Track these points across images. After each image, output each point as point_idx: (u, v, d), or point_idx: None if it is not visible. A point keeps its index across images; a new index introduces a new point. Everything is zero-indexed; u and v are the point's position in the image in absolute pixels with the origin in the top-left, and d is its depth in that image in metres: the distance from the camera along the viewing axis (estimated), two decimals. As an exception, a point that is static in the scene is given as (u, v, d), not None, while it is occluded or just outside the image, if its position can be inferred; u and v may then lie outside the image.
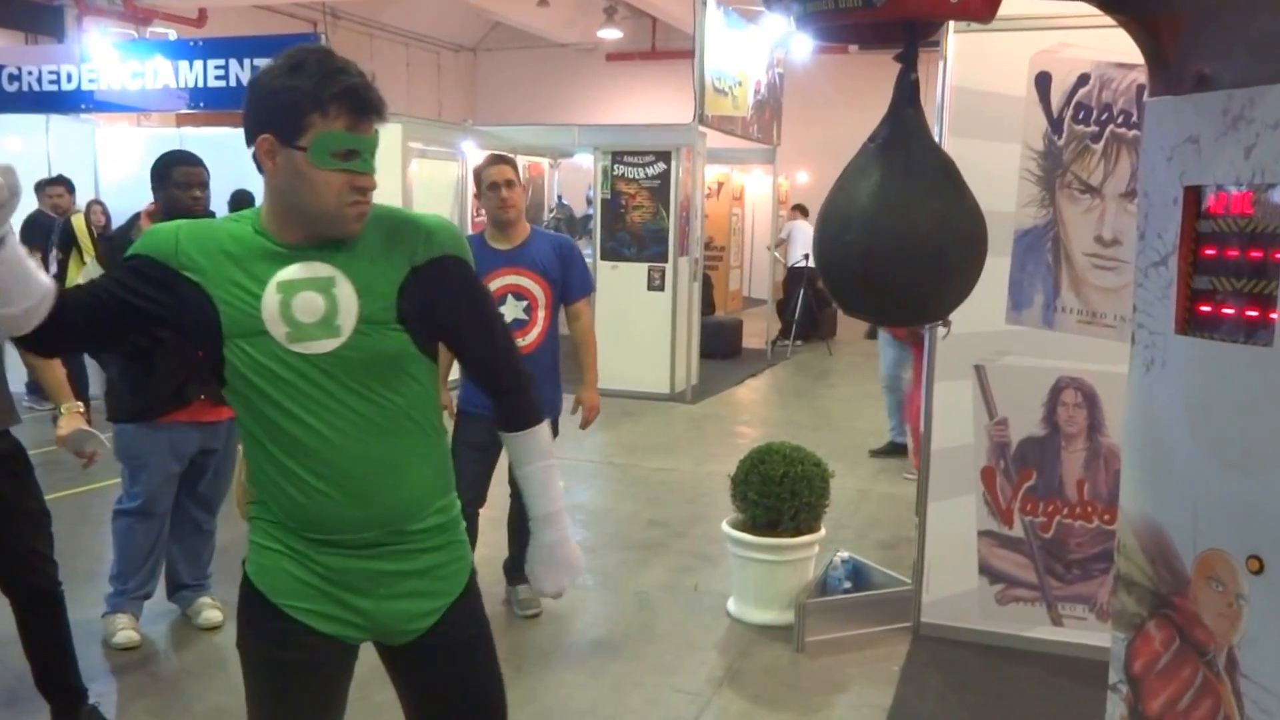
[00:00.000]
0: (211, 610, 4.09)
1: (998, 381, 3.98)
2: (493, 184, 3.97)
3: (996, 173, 3.87)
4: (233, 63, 8.25)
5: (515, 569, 4.18)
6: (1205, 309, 1.92)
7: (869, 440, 7.16)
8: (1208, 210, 1.90)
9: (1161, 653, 2.03)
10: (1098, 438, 3.98)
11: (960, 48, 3.90)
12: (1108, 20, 3.74)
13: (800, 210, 13.02)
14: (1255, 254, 1.81)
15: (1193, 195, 1.92)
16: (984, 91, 3.89)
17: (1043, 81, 3.85)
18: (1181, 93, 1.93)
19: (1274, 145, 1.75)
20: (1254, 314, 1.81)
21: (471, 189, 9.63)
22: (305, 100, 1.68)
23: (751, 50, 10.47)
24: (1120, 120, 3.82)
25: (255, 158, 1.74)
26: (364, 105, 1.73)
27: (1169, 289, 1.96)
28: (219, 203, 5.23)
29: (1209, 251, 1.91)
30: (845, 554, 4.25)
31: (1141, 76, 3.82)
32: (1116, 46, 3.76)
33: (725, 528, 4.12)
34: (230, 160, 7.81)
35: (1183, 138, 1.92)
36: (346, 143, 1.71)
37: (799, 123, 14.37)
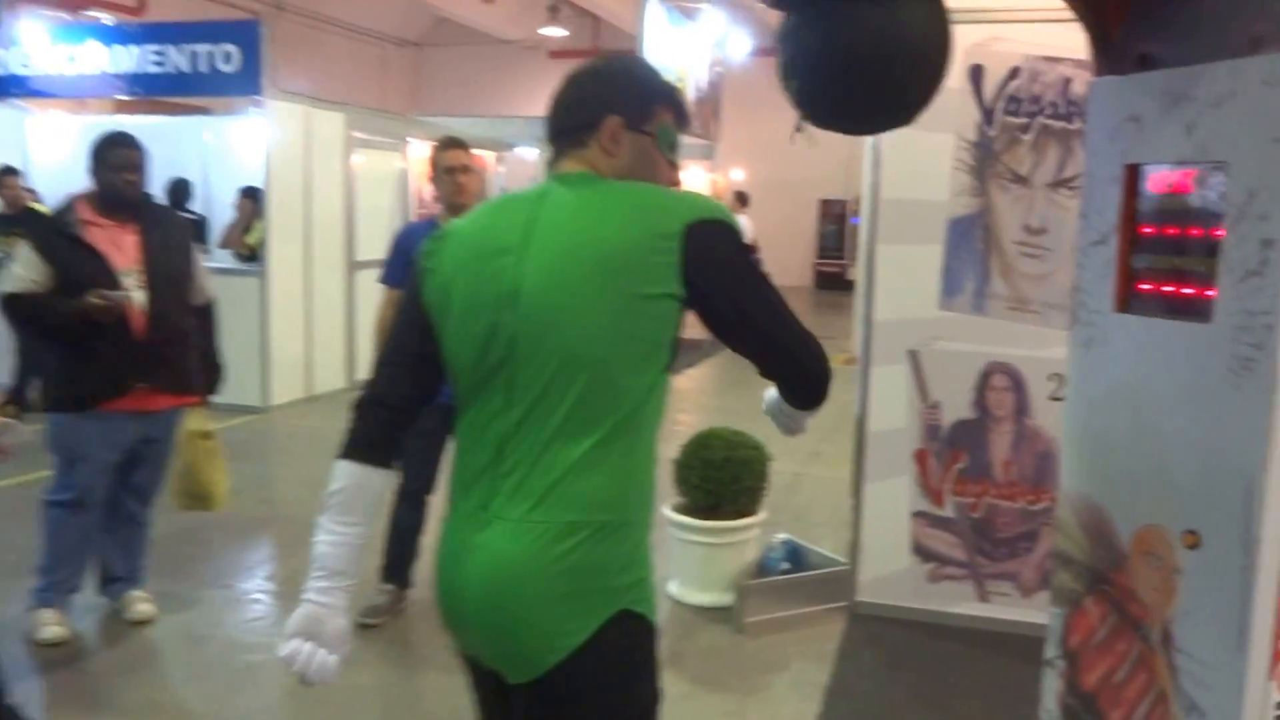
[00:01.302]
0: (144, 604, 3.85)
1: (931, 366, 3.95)
2: (449, 168, 3.84)
3: (931, 162, 3.84)
4: (171, 49, 7.89)
5: (392, 570, 3.99)
6: (1144, 287, 1.87)
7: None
8: (1148, 189, 1.85)
9: (1098, 627, 1.98)
10: (1024, 420, 3.96)
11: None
12: (1038, 14, 3.77)
13: (741, 199, 12.96)
14: (1195, 232, 1.77)
15: (1132, 174, 1.88)
16: None
17: (976, 74, 3.82)
18: (1124, 73, 1.89)
19: (1215, 124, 1.70)
20: (1192, 291, 1.77)
21: (413, 181, 9.53)
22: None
23: (692, 48, 10.39)
24: (1049, 112, 3.80)
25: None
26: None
27: (1108, 267, 1.92)
28: (155, 190, 5.00)
29: (1148, 230, 1.86)
30: (783, 536, 4.20)
31: (1069, 70, 3.82)
32: (1046, 40, 3.76)
33: (666, 511, 4.04)
34: (169, 149, 7.57)
35: (1124, 117, 1.87)
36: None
37: (736, 123, 14.35)
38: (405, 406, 1.67)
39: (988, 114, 3.83)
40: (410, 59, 19.95)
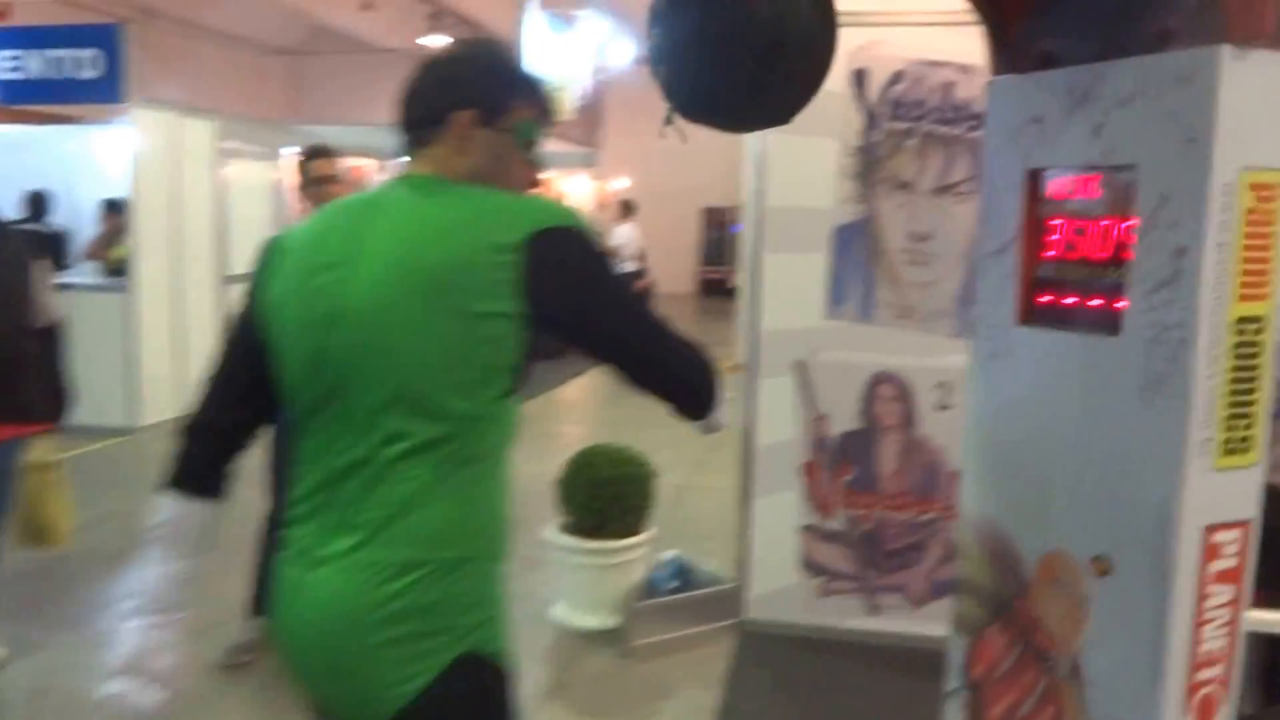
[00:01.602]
0: (-9, 647, 3.49)
1: (819, 377, 3.82)
2: (316, 178, 3.58)
3: (816, 169, 3.72)
4: (30, 55, 7.35)
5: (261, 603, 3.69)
6: (1048, 299, 1.74)
7: (691, 435, 6.97)
8: (1051, 194, 1.72)
9: (1003, 658, 1.84)
10: (911, 430, 3.87)
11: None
12: (920, 18, 3.69)
13: (626, 208, 12.80)
14: (1102, 240, 1.64)
15: (1035, 178, 1.74)
16: None
17: (859, 78, 3.71)
18: (1024, 71, 1.75)
19: (1123, 125, 1.58)
20: (1100, 303, 1.64)
21: (290, 192, 9.10)
22: None
23: (574, 55, 10.21)
24: (933, 117, 3.71)
25: None
26: None
27: (1009, 278, 1.78)
28: (13, 201, 4.54)
29: (1052, 238, 1.73)
30: (671, 553, 4.02)
31: (952, 74, 3.74)
32: (930, 44, 3.67)
33: (550, 534, 3.82)
34: (31, 160, 7.06)
35: (1026, 118, 1.74)
36: None
37: (621, 131, 14.21)
38: (236, 432, 1.52)
39: (871, 119, 3.72)
40: (288, 67, 19.27)
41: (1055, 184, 1.71)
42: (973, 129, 3.68)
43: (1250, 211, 1.49)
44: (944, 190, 3.74)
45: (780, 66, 1.65)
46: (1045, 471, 1.72)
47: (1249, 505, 1.58)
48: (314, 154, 3.62)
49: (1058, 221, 1.70)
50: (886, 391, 3.86)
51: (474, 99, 1.46)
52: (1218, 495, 1.54)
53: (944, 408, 3.81)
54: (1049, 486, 1.71)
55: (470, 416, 1.37)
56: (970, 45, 3.60)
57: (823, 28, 1.70)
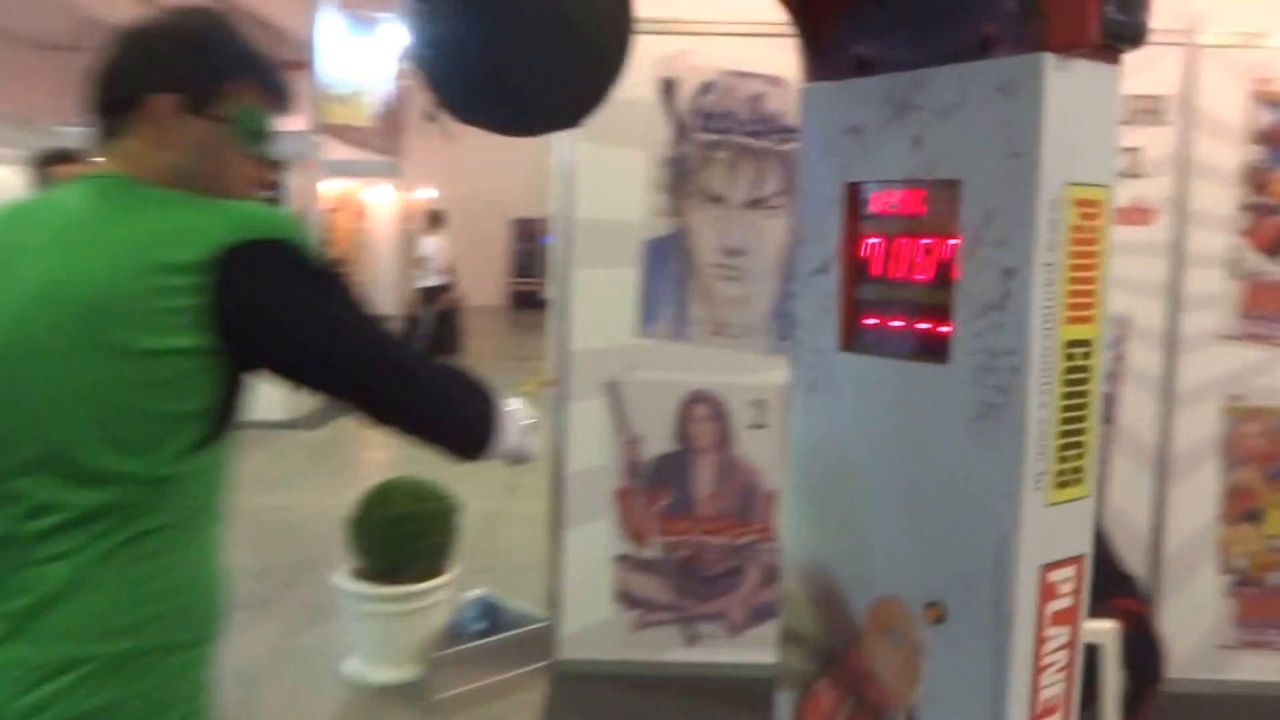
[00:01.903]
0: None
1: (631, 398, 3.69)
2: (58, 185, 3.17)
3: (627, 181, 3.60)
4: None
5: None
6: (871, 322, 1.63)
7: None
8: (872, 209, 1.62)
9: (833, 714, 1.72)
10: (727, 451, 3.79)
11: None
12: (731, 28, 3.63)
13: (435, 220, 12.42)
14: (926, 259, 1.54)
15: (854, 193, 1.63)
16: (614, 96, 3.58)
17: (668, 88, 3.60)
18: (840, 77, 1.64)
19: (945, 136, 1.48)
20: (926, 327, 1.54)
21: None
22: None
23: (374, 59, 9.82)
24: (743, 129, 3.65)
25: None
26: None
27: (830, 300, 1.67)
28: None
29: (874, 257, 1.62)
30: (477, 592, 3.79)
31: (761, 86, 3.69)
32: (738, 55, 3.61)
33: (339, 580, 3.53)
34: None
35: (843, 128, 1.63)
36: None
37: (426, 140, 13.82)
38: None
39: (681, 130, 3.62)
40: (58, 64, 17.93)
41: (876, 199, 1.60)
42: (783, 141, 3.64)
43: (1076, 229, 1.42)
44: (755, 204, 3.68)
45: (568, 62, 1.44)
46: (873, 511, 1.60)
47: (1083, 540, 1.51)
48: (54, 158, 3.24)
49: (880, 239, 1.60)
50: (701, 411, 3.77)
51: (177, 80, 1.23)
52: (1053, 531, 1.46)
53: (759, 426, 3.75)
54: (877, 527, 1.60)
55: (145, 479, 1.13)
56: (779, 57, 3.59)
57: (617, 16, 1.51)
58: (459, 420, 1.31)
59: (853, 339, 1.64)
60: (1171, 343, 3.53)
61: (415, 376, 1.26)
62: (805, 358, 1.71)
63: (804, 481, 1.75)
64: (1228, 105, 3.48)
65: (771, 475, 3.71)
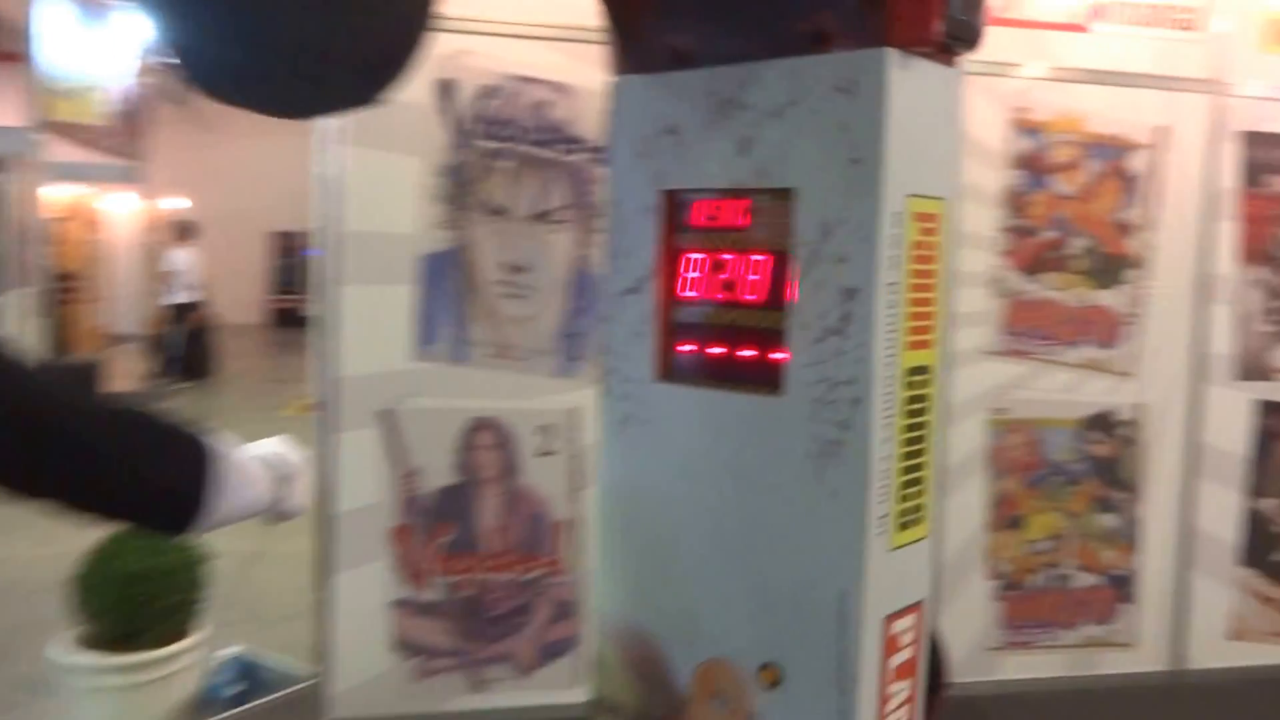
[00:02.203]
0: None
1: (408, 427, 3.41)
2: None
3: (400, 190, 3.33)
4: None
5: None
6: (691, 348, 1.47)
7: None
8: (693, 221, 1.45)
9: (654, 791, 1.54)
10: (512, 481, 3.58)
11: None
12: (514, 29, 3.42)
13: (184, 232, 11.57)
14: (756, 278, 1.39)
15: (672, 202, 1.47)
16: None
17: (446, 90, 3.36)
18: (654, 70, 1.47)
19: (776, 139, 1.33)
20: (754, 354, 1.39)
21: None
22: None
23: (108, 52, 9.01)
24: (526, 138, 3.45)
25: None
26: None
27: (645, 323, 1.49)
28: None
29: (693, 275, 1.46)
30: (233, 649, 3.41)
31: (545, 93, 3.52)
32: (523, 58, 3.42)
33: (60, 651, 3.07)
34: None
35: (659, 128, 1.46)
36: None
37: (178, 145, 12.91)
38: None
39: (461, 136, 3.39)
40: None
41: (698, 209, 1.44)
42: (569, 152, 3.48)
43: (916, 245, 1.30)
44: (541, 217, 3.49)
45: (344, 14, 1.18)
46: (698, 563, 1.44)
47: (923, 584, 1.40)
48: None
49: (702, 255, 1.44)
50: (485, 439, 3.54)
51: None
52: (897, 578, 1.33)
53: (547, 453, 3.56)
54: (704, 581, 1.43)
55: None
56: (566, 62, 3.43)
57: None
58: (153, 490, 1.04)
59: (671, 368, 1.47)
60: (944, 359, 3.59)
61: (82, 441, 0.98)
62: (617, 389, 1.53)
63: (618, 531, 1.56)
64: (990, 131, 3.58)
65: (560, 504, 3.53)
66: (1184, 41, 3.56)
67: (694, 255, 1.45)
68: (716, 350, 1.42)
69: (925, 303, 1.32)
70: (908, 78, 1.26)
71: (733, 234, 1.40)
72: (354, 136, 3.27)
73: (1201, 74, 3.56)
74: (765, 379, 1.36)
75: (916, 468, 1.34)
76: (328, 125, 3.29)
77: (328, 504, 3.37)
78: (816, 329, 1.30)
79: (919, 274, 1.30)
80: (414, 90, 3.28)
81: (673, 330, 1.47)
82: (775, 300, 1.35)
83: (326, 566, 3.38)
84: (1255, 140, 3.60)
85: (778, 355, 1.35)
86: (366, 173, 3.29)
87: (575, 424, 3.55)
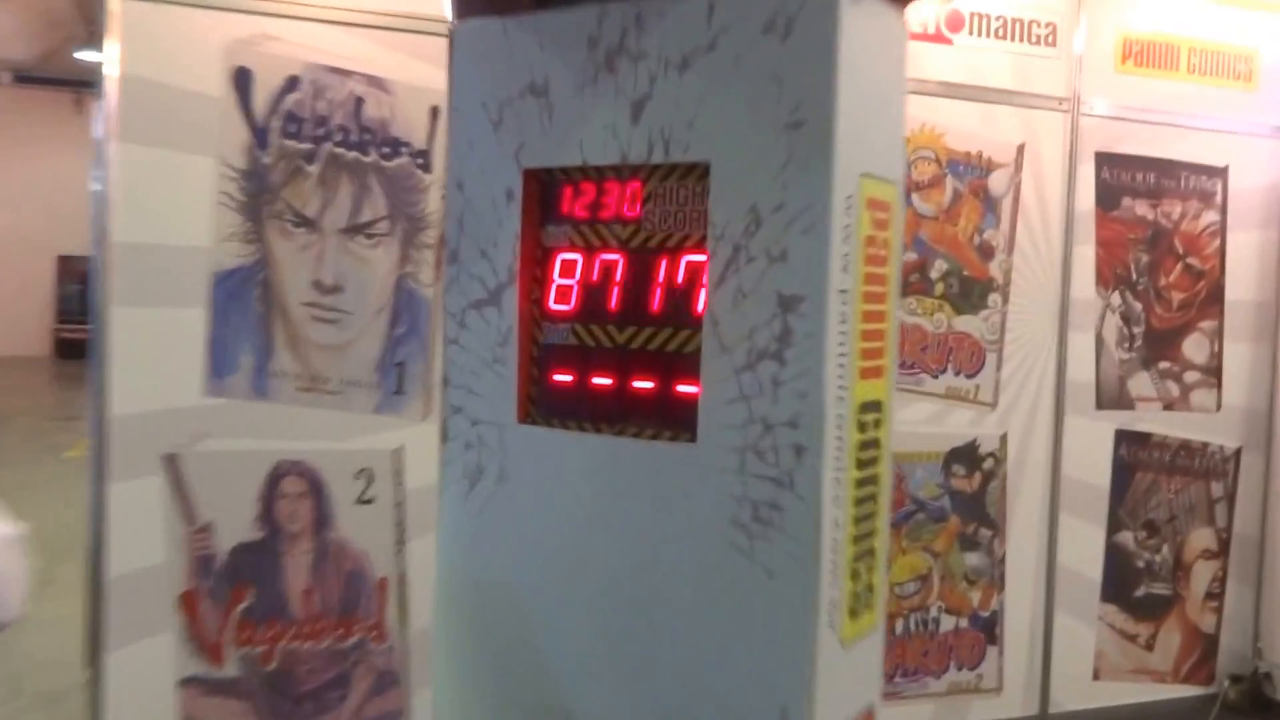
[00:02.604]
0: None
1: (198, 475, 2.93)
2: None
3: (188, 196, 2.86)
4: None
5: None
6: (564, 379, 1.11)
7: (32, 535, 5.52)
8: (567, 211, 1.10)
9: None
10: (325, 534, 3.15)
11: (133, 21, 2.79)
12: (322, 12, 3.02)
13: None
14: (654, 284, 1.05)
15: (537, 185, 1.11)
16: (168, 85, 2.83)
17: (242, 80, 2.92)
18: (510, 11, 1.12)
19: (683, 98, 1.00)
20: (649, 386, 1.05)
21: None
22: None
23: None
24: (338, 138, 3.04)
25: None
26: None
27: (502, 348, 1.13)
28: None
29: (567, 282, 1.11)
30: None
31: (359, 87, 3.11)
32: (333, 46, 3.00)
33: None
34: None
35: (519, 87, 1.10)
36: None
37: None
38: None
39: (261, 135, 2.94)
40: None
41: (573, 194, 1.09)
42: (388, 155, 3.09)
43: (869, 242, 0.98)
44: (355, 230, 3.08)
45: None
46: (580, 674, 1.07)
47: (875, 682, 1.08)
48: None
49: (578, 255, 1.08)
50: (292, 486, 3.10)
51: None
52: (848, 681, 1.01)
53: (366, 501, 3.16)
54: (587, 699, 1.07)
55: None
56: (384, 54, 3.04)
57: None
58: None
59: (539, 406, 1.11)
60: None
61: None
62: (463, 435, 1.15)
63: (465, 630, 1.18)
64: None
65: (382, 560, 3.12)
66: (1043, 58, 3.45)
67: (568, 255, 1.09)
68: (601, 381, 1.07)
69: (878, 317, 1.00)
70: (859, 17, 0.95)
71: (621, 226, 1.06)
72: (129, 132, 2.79)
73: (1061, 92, 3.45)
74: (671, 420, 1.01)
75: (869, 534, 1.02)
76: (101, 114, 2.80)
77: (100, 568, 2.85)
78: (742, 352, 0.96)
79: (872, 279, 0.99)
80: (204, 79, 2.83)
81: (541, 356, 1.11)
82: (681, 314, 1.01)
83: (98, 644, 2.85)
84: (1112, 161, 3.52)
85: (687, 388, 1.01)
86: (145, 175, 2.81)
87: (398, 467, 3.16)
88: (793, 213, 0.93)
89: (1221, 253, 3.82)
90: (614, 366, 1.06)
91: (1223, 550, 3.91)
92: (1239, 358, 3.89)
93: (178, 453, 2.90)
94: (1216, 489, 3.87)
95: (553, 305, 1.10)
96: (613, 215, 1.06)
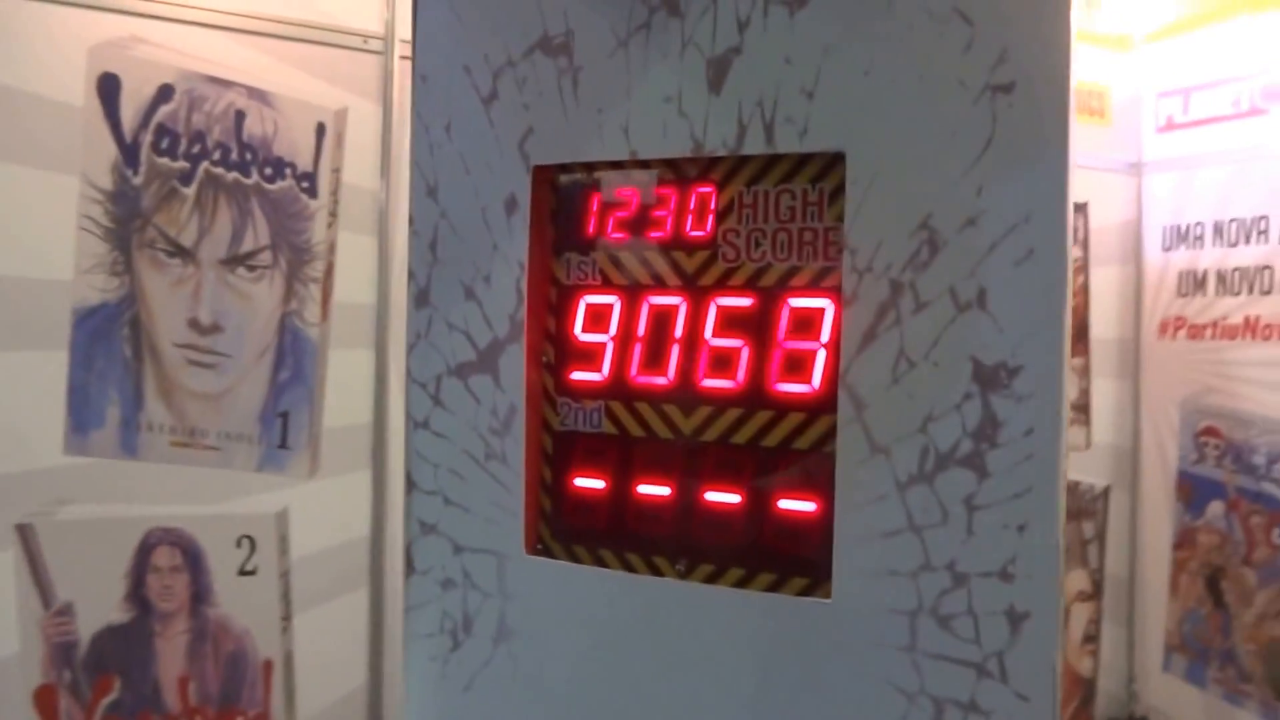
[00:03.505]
0: None
1: (55, 548, 2.56)
2: None
3: (46, 220, 2.46)
4: None
5: None
6: (598, 486, 0.72)
7: None
8: (595, 232, 0.71)
9: None
10: (204, 611, 2.75)
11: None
12: (201, 15, 2.61)
13: None
14: (737, 344, 0.66)
15: (553, 193, 0.72)
16: (23, 92, 2.44)
17: (109, 88, 2.50)
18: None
19: (799, 49, 0.62)
20: (734, 500, 0.66)
21: None
22: None
23: None
24: (217, 157, 2.64)
25: None
26: None
27: (505, 439, 0.72)
28: None
29: (597, 338, 0.72)
30: None
31: (240, 100, 2.70)
32: (211, 54, 2.60)
33: None
34: None
35: (524, 43, 0.71)
36: None
37: None
38: None
39: (130, 151, 2.52)
40: None
41: (608, 207, 0.70)
42: (269, 178, 2.70)
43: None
44: (235, 261, 2.68)
45: None
46: None
47: None
48: None
49: (613, 298, 0.69)
50: (165, 558, 2.70)
51: None
52: None
53: (249, 573, 2.77)
54: None
55: None
56: (272, 64, 2.66)
57: None
58: None
59: (557, 528, 0.71)
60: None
61: None
62: (439, 566, 0.74)
63: None
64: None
65: (268, 638, 2.76)
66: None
67: (599, 298, 0.70)
68: (654, 491, 0.68)
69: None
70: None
71: (685, 254, 0.67)
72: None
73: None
74: (779, 558, 0.63)
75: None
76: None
77: (-73, 665, 2.38)
78: (910, 456, 0.58)
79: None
80: (63, 86, 2.42)
81: (559, 450, 0.71)
82: (790, 391, 0.63)
83: (-76, 757, 2.37)
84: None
85: (800, 505, 0.62)
86: (2, 192, 2.41)
87: (283, 532, 2.80)
88: (998, 229, 0.56)
89: (1085, 289, 3.72)
90: (674, 468, 0.68)
91: (1096, 592, 3.77)
92: (1105, 394, 3.81)
93: (32, 522, 2.49)
94: (1088, 529, 3.74)
95: (576, 374, 0.70)
96: (671, 237, 0.68)
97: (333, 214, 2.79)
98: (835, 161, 0.62)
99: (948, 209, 0.58)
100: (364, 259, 2.62)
